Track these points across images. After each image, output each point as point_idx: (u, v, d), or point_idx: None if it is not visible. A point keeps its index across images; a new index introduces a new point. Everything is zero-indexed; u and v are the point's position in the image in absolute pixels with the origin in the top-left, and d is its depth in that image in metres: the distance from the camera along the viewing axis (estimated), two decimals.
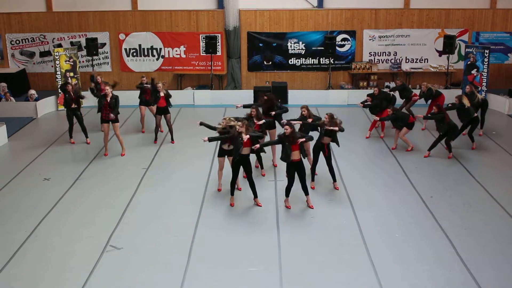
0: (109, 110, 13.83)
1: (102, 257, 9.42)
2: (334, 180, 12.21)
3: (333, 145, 11.92)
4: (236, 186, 11.74)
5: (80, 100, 15.33)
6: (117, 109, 13.91)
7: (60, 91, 15.26)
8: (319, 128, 12.04)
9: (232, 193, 11.41)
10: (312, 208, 11.17)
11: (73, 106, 15.02)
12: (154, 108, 15.52)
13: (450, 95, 17.24)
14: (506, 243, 9.82)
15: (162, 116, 15.10)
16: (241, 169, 12.60)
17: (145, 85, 15.75)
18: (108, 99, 13.81)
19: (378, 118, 14.84)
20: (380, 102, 15.38)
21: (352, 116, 17.77)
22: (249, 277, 8.82)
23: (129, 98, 18.80)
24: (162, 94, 14.76)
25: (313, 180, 12.30)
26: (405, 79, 20.72)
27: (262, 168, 12.91)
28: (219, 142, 11.93)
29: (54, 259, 9.39)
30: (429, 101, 16.27)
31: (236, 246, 9.80)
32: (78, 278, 8.80)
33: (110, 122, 14.00)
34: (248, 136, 10.81)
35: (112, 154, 14.43)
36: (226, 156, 11.82)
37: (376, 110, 15.50)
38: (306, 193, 11.23)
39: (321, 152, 12.00)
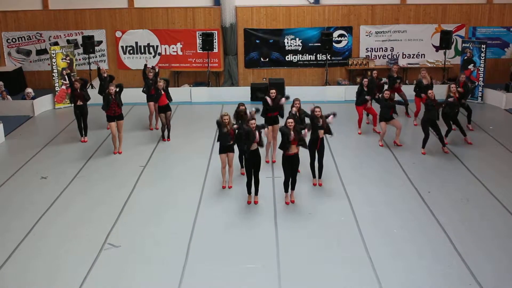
0: (116, 105, 13.94)
1: (100, 255, 9.42)
2: (319, 177, 12.23)
3: (331, 143, 11.92)
4: (227, 184, 12.01)
5: (87, 94, 15.25)
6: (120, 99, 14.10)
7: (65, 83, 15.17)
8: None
9: (248, 192, 11.40)
10: (292, 203, 11.25)
11: (79, 103, 15.01)
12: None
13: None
14: (503, 237, 9.85)
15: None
16: (239, 166, 12.71)
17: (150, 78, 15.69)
18: (113, 96, 13.89)
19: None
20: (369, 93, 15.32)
21: (349, 112, 17.74)
22: (247, 274, 8.83)
23: (126, 96, 18.74)
24: (162, 92, 14.77)
25: (314, 177, 12.29)
26: (402, 74, 20.71)
27: (242, 167, 12.65)
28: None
29: (52, 258, 9.39)
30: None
31: (234, 243, 9.81)
32: (76, 276, 8.80)
33: (116, 120, 14.05)
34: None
35: (109, 152, 14.41)
36: (227, 152, 11.80)
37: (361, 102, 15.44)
38: (292, 188, 11.28)
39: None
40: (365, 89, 15.29)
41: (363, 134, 15.66)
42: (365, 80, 15.40)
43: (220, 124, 11.62)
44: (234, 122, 11.89)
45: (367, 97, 15.28)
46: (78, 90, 14.95)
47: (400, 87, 16.61)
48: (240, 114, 12.23)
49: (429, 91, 13.85)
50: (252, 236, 10.03)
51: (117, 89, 14.01)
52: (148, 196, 11.81)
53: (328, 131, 11.83)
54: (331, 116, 11.88)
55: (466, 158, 13.65)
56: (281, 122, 12.26)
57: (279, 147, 11.12)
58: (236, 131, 11.47)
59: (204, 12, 21.09)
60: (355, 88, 19.59)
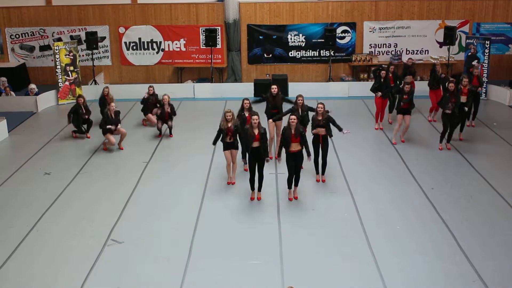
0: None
1: (103, 251, 9.44)
2: (322, 173, 12.21)
3: (335, 139, 11.85)
4: (230, 180, 12.06)
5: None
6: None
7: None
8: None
9: (252, 188, 11.37)
10: (295, 199, 11.25)
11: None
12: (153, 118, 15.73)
13: None
14: (507, 234, 9.82)
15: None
16: (239, 163, 12.70)
17: (151, 96, 15.77)
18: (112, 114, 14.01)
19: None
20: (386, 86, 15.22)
21: (352, 108, 17.75)
22: (250, 270, 8.84)
23: (130, 91, 18.83)
24: (168, 109, 15.01)
25: (317, 173, 12.28)
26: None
27: (245, 163, 12.55)
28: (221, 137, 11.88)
29: (55, 254, 9.41)
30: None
31: (237, 239, 9.81)
32: (80, 272, 8.81)
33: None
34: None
35: (112, 148, 14.40)
36: (230, 149, 11.79)
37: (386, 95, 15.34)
38: (295, 185, 11.26)
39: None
40: (382, 80, 15.14)
41: (367, 130, 15.62)
42: (383, 72, 15.24)
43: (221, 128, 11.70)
44: (237, 119, 11.90)
45: (378, 93, 15.12)
46: (83, 108, 15.07)
47: (413, 81, 16.39)
48: (245, 108, 12.29)
49: (450, 84, 13.52)
50: (255, 232, 10.03)
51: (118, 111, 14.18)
52: (151, 192, 11.82)
53: (328, 132, 11.79)
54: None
55: (469, 155, 13.62)
56: (285, 119, 12.28)
57: (279, 145, 11.13)
58: (235, 126, 11.47)
59: (207, 8, 21.07)
60: (358, 84, 19.76)
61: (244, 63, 21.48)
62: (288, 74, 20.64)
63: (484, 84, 18.23)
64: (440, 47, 20.95)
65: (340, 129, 11.93)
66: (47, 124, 16.88)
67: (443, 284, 8.40)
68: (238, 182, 12.13)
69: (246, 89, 19.10)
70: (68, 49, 19.07)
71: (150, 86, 16.03)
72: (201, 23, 21.17)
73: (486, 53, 18.57)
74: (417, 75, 19.24)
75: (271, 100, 13.17)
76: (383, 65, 16.57)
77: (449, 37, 19.48)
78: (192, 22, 21.19)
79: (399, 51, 21.22)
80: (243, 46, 21.31)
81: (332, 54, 20.84)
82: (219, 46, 21.05)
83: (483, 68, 18.55)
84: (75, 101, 15.46)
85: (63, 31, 21.29)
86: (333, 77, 20.85)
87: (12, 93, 18.90)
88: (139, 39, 21.37)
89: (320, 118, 11.68)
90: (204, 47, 21.03)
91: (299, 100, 12.44)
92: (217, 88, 20.08)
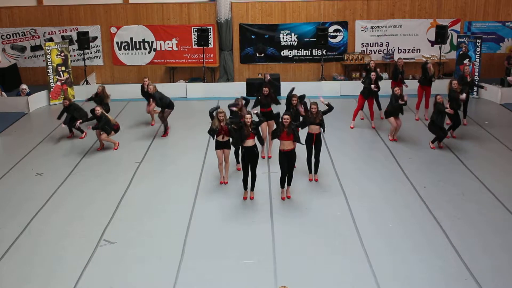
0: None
1: (96, 252, 9.41)
2: (315, 172, 12.23)
3: (328, 138, 11.88)
4: (223, 180, 12.03)
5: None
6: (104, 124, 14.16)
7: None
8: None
9: (245, 188, 11.35)
10: (288, 198, 11.25)
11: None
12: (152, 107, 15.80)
13: (442, 85, 17.19)
14: (499, 232, 9.87)
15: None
16: (235, 161, 12.70)
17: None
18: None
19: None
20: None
21: (345, 107, 17.75)
22: (243, 269, 8.84)
23: (122, 91, 18.80)
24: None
25: (310, 172, 12.29)
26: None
27: (238, 162, 12.71)
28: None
29: (48, 254, 9.38)
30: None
31: (230, 238, 9.81)
32: (72, 273, 8.79)
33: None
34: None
35: (105, 148, 14.37)
36: (223, 149, 11.78)
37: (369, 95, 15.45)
38: (288, 184, 11.26)
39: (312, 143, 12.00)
40: (372, 77, 15.24)
41: (359, 128, 15.66)
42: (373, 74, 15.30)
43: (212, 116, 11.66)
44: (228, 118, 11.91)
45: (373, 86, 15.16)
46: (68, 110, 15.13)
47: (403, 79, 16.45)
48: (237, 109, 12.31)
49: (454, 82, 13.81)
50: (248, 232, 10.03)
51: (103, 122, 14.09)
52: (144, 192, 11.80)
53: (323, 128, 11.83)
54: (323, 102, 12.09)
55: (461, 153, 13.67)
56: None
57: (271, 135, 11.13)
58: (230, 126, 11.44)
59: (199, 7, 21.05)
60: (351, 83, 19.77)
61: (236, 62, 21.48)
62: (280, 73, 20.68)
63: (476, 77, 18.25)
64: (432, 45, 21.03)
65: (330, 107, 12.11)
66: (39, 125, 16.81)
67: (435, 282, 8.43)
68: (230, 181, 12.13)
69: (238, 89, 19.10)
70: (59, 49, 19.01)
71: (145, 78, 16.00)
72: (193, 22, 21.15)
73: (478, 51, 18.65)
74: (407, 75, 19.37)
75: (263, 100, 13.23)
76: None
77: (441, 35, 19.54)
78: (184, 22, 21.17)
79: (391, 50, 21.28)
80: (235, 46, 21.30)
81: (324, 53, 20.86)
82: (211, 46, 21.03)
83: (474, 67, 18.62)
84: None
85: (55, 31, 21.21)
86: (325, 76, 20.87)
87: (4, 93, 18.83)
88: (131, 39, 21.32)
89: (314, 117, 11.69)
90: (196, 47, 21.01)
91: (293, 100, 12.47)
92: (210, 88, 20.06)
